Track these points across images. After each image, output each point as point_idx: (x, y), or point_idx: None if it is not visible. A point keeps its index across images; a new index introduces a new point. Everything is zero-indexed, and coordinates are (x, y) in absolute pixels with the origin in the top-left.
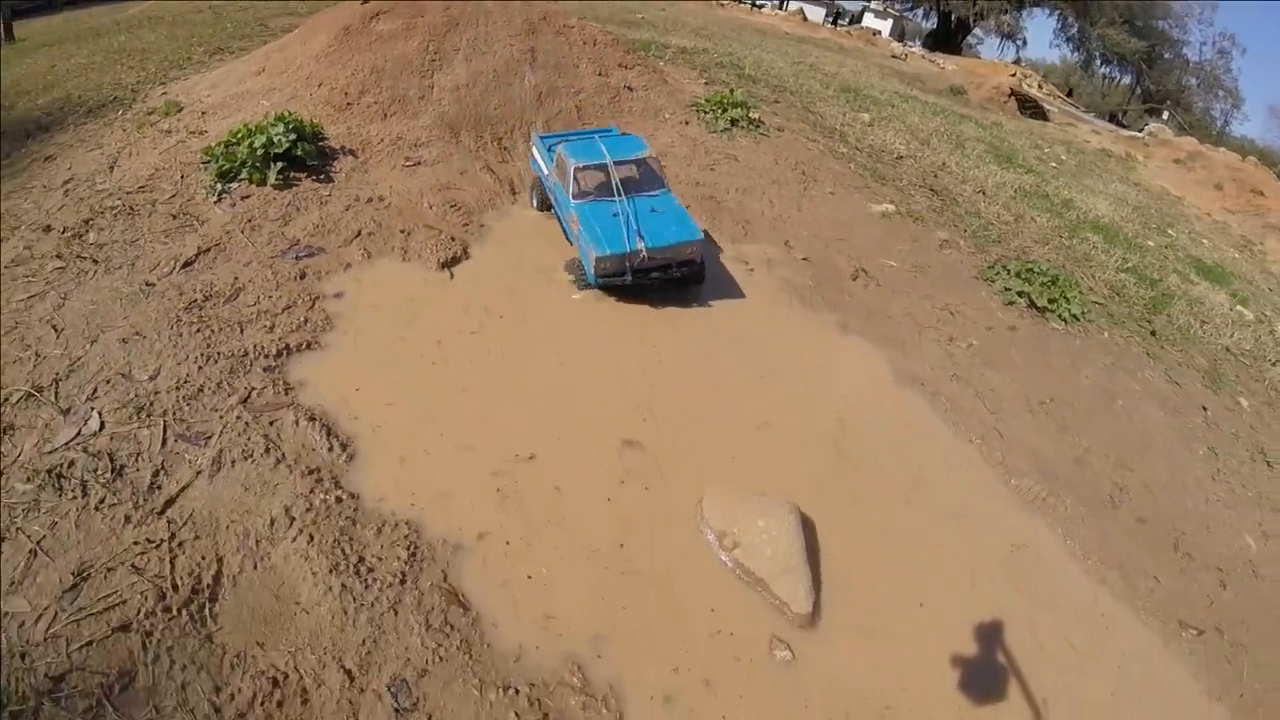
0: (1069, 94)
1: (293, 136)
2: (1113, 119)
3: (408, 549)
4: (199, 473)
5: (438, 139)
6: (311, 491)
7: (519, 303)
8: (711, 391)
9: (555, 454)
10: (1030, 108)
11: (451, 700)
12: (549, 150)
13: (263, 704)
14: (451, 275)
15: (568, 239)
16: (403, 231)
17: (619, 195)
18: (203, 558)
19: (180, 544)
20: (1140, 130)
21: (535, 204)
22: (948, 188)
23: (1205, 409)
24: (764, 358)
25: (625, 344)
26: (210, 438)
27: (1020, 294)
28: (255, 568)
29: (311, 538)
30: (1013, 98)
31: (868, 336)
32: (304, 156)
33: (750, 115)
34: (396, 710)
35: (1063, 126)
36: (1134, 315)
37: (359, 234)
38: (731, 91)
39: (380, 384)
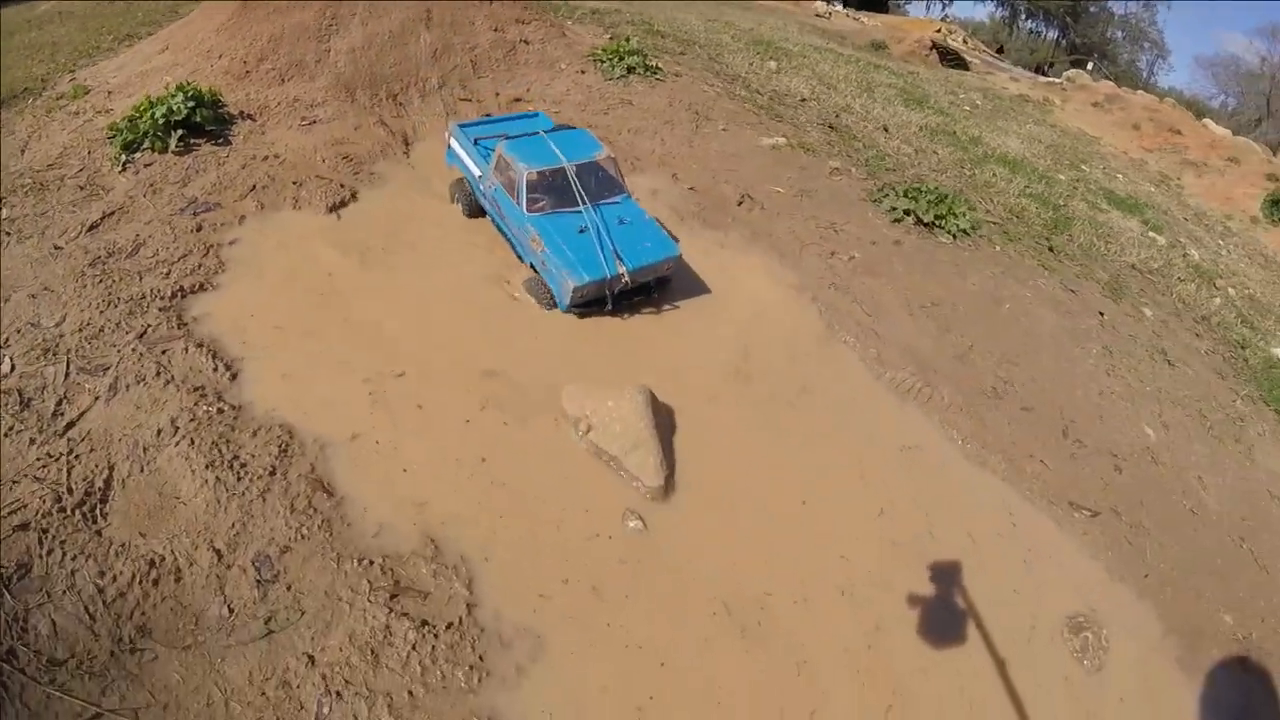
0: (999, 51)
1: (192, 104)
2: (1039, 71)
3: (280, 447)
4: (97, 398)
5: (333, 99)
6: (196, 405)
7: (402, 239)
8: None
9: (422, 375)
10: (952, 60)
11: (310, 572)
12: (476, 144)
13: (140, 583)
14: (339, 218)
15: (517, 255)
16: (295, 183)
17: (583, 205)
18: (96, 466)
19: (77, 456)
20: (1059, 77)
21: (464, 209)
22: (849, 126)
23: (1102, 314)
24: None
25: (496, 280)
26: (109, 369)
27: (907, 212)
28: (142, 471)
29: (193, 442)
30: (934, 51)
31: (749, 253)
32: (203, 123)
33: (647, 63)
34: (259, 581)
35: (981, 75)
36: (1032, 234)
37: (254, 188)
38: (627, 40)
39: (269, 314)
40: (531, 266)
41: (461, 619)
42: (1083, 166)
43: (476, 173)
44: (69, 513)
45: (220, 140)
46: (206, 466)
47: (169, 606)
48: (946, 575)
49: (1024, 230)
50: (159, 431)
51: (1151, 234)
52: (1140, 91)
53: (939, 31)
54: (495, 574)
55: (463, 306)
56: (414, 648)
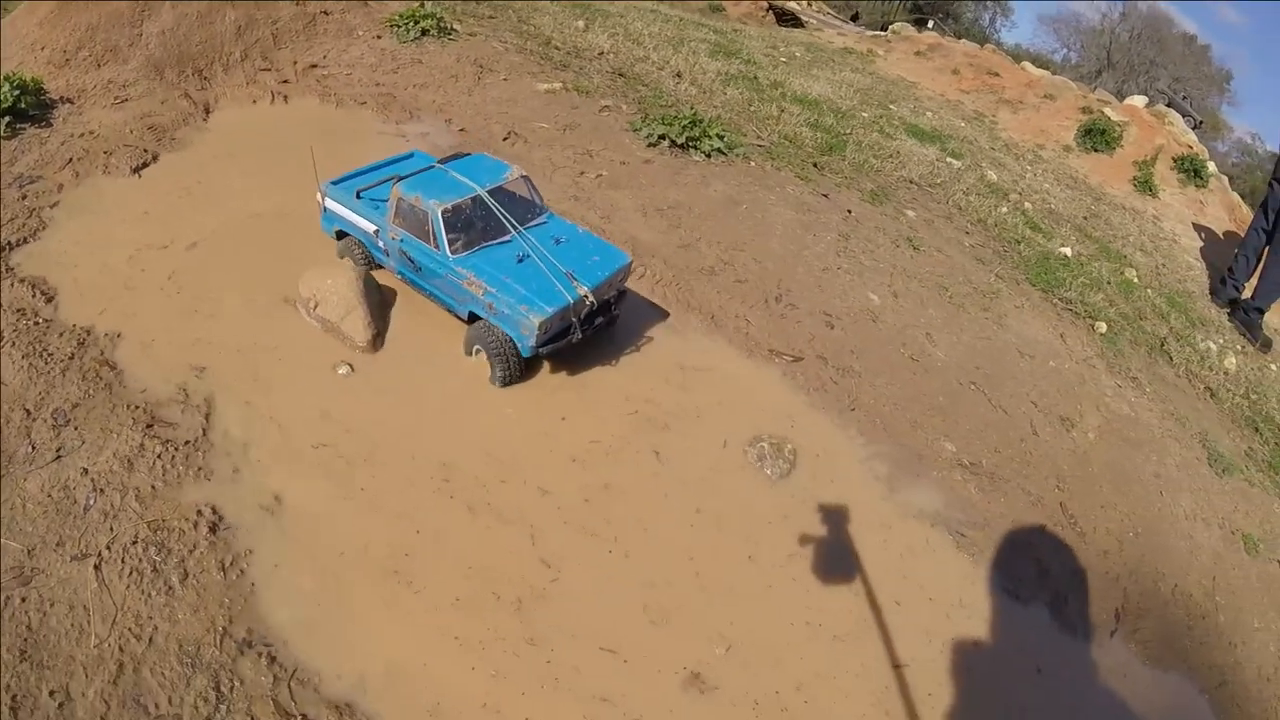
0: (854, 17)
1: (17, 93)
2: (884, 30)
3: (79, 341)
4: None
5: (144, 78)
6: (18, 321)
7: (188, 185)
8: None
9: (197, 285)
10: (789, 20)
11: (92, 418)
12: (359, 198)
13: None
14: (140, 177)
15: (450, 311)
16: (106, 153)
17: (514, 231)
18: None
19: None
20: (881, 30)
21: (357, 269)
22: (640, 74)
23: (850, 211)
24: None
25: (272, 182)
26: None
27: (661, 136)
28: None
29: (15, 344)
30: (770, 12)
31: None
32: (27, 108)
33: (442, 24)
34: (54, 426)
35: (811, 32)
36: (801, 155)
37: (70, 161)
38: (422, 4)
39: (77, 255)
40: (470, 318)
41: (196, 439)
42: (890, 106)
43: (370, 228)
44: None
45: (43, 123)
46: (23, 357)
47: None
48: (651, 419)
49: (793, 152)
50: None
51: (949, 159)
52: (963, 41)
53: None
54: (228, 406)
55: (240, 228)
56: (158, 457)
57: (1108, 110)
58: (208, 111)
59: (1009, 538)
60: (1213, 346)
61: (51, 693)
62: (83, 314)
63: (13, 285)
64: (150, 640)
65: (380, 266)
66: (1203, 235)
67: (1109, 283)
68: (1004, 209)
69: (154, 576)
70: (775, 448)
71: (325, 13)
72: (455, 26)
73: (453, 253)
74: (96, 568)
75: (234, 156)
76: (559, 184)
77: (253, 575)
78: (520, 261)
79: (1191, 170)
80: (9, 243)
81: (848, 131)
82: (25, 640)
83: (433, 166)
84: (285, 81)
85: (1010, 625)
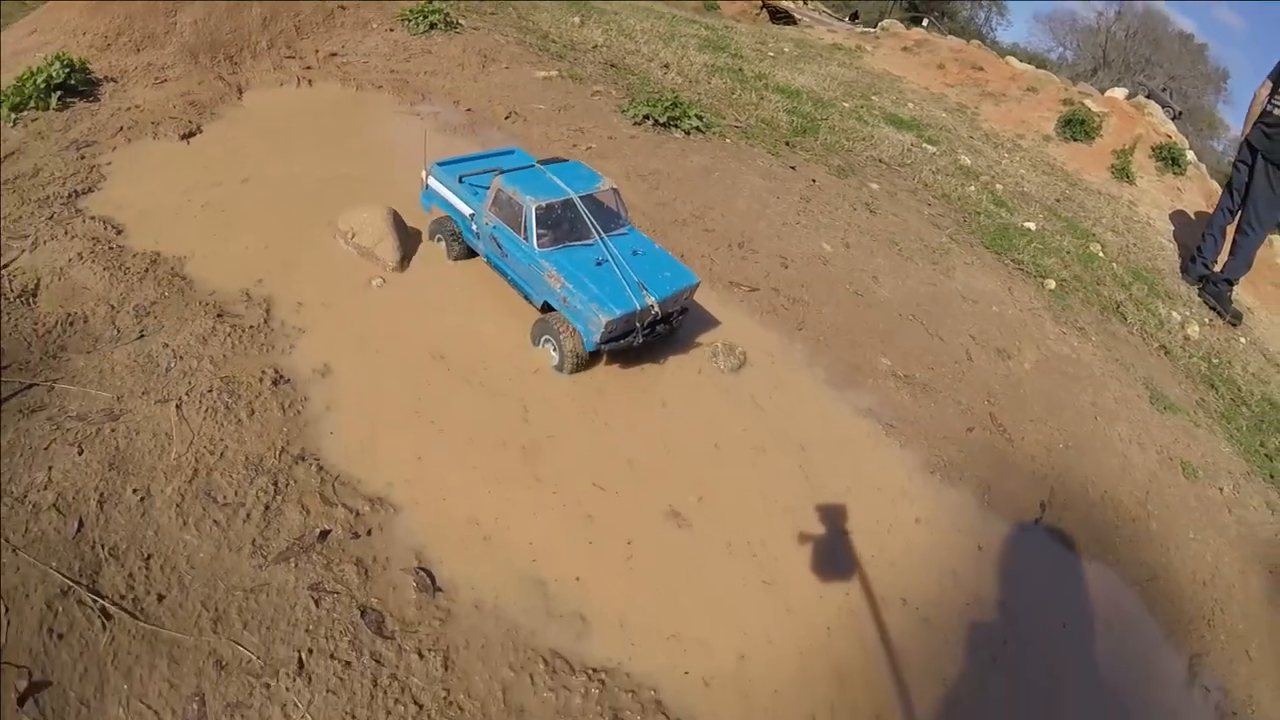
0: (854, 17)
1: (67, 70)
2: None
3: (151, 259)
4: (23, 250)
5: (180, 62)
6: (94, 245)
7: (235, 150)
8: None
9: (251, 218)
10: (783, 18)
11: (170, 310)
12: (461, 182)
13: (61, 325)
14: (189, 143)
15: (527, 298)
16: (153, 123)
17: (598, 237)
18: (26, 282)
19: (13, 275)
20: (874, 27)
21: (449, 251)
22: (631, 65)
23: (814, 180)
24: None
25: (305, 150)
26: (29, 236)
27: (646, 116)
28: (58, 280)
29: (94, 262)
30: (765, 10)
31: (501, 144)
32: (76, 84)
33: (449, 19)
34: (137, 316)
35: (802, 29)
36: (776, 135)
37: (121, 129)
38: (430, 0)
39: (140, 200)
40: (544, 307)
41: (259, 324)
42: (872, 97)
43: (466, 211)
44: (12, 301)
45: (91, 98)
46: (104, 269)
47: (79, 334)
48: None
49: (768, 133)
50: (69, 259)
51: (925, 145)
52: (950, 37)
53: None
54: (284, 305)
55: (284, 181)
56: (228, 335)
57: (1088, 102)
58: (240, 92)
59: (939, 433)
60: (1176, 316)
61: (134, 490)
62: (151, 242)
63: (84, 222)
64: (221, 454)
65: (469, 254)
66: (1179, 220)
67: (1069, 253)
68: (972, 188)
69: (225, 413)
70: (729, 348)
71: (342, 8)
72: (461, 21)
73: (539, 247)
74: (178, 407)
75: (270, 129)
76: (554, 153)
77: (307, 415)
78: (598, 265)
79: (1169, 158)
80: (75, 191)
81: (824, 117)
82: (114, 456)
83: (533, 166)
84: (308, 68)
85: (947, 508)
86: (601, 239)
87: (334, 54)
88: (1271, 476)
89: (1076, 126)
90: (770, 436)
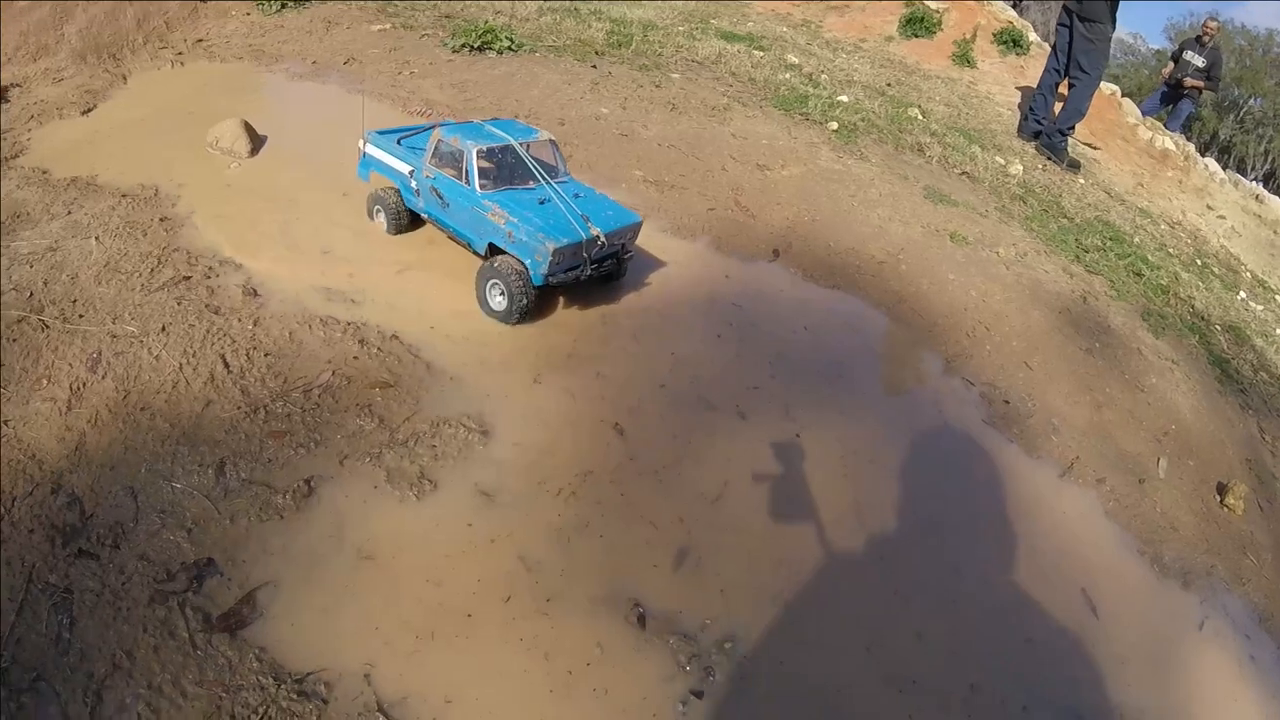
0: None
1: None
2: None
3: (70, 180)
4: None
5: (72, 64)
6: (25, 179)
7: (121, 121)
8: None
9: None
10: None
11: (88, 201)
12: (399, 144)
13: (12, 221)
14: (88, 115)
15: (471, 247)
16: (58, 108)
17: (541, 180)
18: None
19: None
20: None
21: (388, 224)
22: (464, 14)
23: (595, 66)
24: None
25: (178, 107)
26: None
27: (463, 45)
28: (8, 200)
29: (29, 186)
30: None
31: (335, 83)
32: None
33: None
34: (65, 208)
35: None
36: (585, 49)
37: (33, 116)
38: None
39: (56, 153)
40: (488, 252)
41: (150, 197)
42: (711, 21)
43: (406, 169)
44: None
45: (5, 100)
46: (37, 188)
47: (25, 220)
48: None
49: (578, 47)
50: (10, 189)
51: (754, 51)
52: None
53: None
54: (168, 186)
55: (168, 121)
56: (130, 204)
57: (928, 2)
58: (125, 79)
59: (681, 214)
60: (1000, 160)
61: (67, 275)
62: (69, 172)
63: (19, 172)
64: (125, 254)
65: (414, 220)
66: (1023, 92)
67: (876, 113)
68: (786, 75)
69: (128, 236)
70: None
71: (204, 1)
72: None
73: (481, 189)
74: (96, 239)
75: (152, 96)
76: (381, 81)
77: (182, 232)
78: (542, 204)
79: (1010, 41)
80: (5, 158)
81: (641, 35)
82: (53, 265)
83: (471, 121)
84: (180, 54)
85: (690, 254)
86: (545, 181)
87: (200, 40)
88: (1078, 259)
89: (917, 24)
90: None
